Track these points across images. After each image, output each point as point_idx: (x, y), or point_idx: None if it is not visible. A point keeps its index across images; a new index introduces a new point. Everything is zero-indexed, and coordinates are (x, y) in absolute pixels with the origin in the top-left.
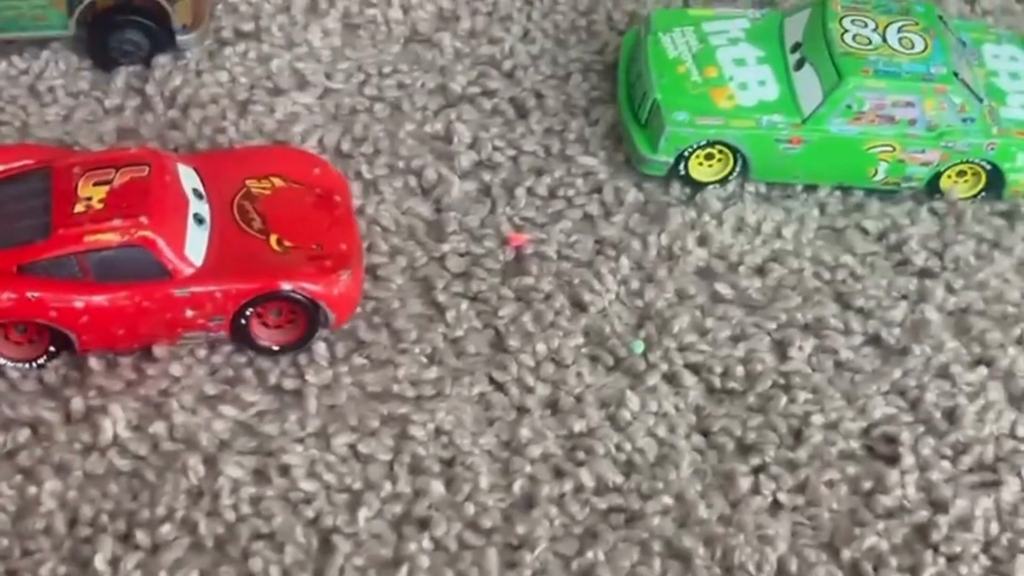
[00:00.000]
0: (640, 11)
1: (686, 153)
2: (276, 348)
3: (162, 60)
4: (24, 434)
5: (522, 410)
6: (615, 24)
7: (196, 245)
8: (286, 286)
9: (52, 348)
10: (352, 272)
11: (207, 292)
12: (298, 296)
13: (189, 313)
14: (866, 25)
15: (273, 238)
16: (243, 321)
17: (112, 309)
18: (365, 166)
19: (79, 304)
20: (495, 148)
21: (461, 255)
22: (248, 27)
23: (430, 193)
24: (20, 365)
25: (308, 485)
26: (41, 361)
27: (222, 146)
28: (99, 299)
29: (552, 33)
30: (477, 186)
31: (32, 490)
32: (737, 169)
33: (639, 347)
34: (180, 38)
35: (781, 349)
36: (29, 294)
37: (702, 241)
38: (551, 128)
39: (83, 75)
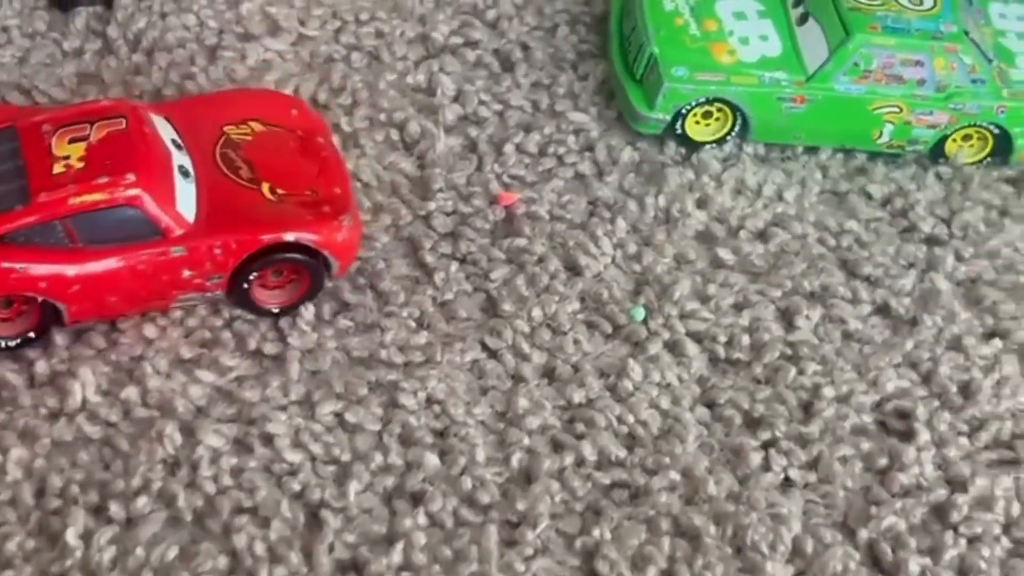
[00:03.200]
0: None
1: (684, 111)
2: (277, 310)
3: (124, 1)
4: None
5: (518, 379)
6: None
7: (186, 200)
8: (289, 236)
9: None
10: (352, 216)
11: (206, 249)
12: (302, 245)
13: (186, 273)
14: None
15: (265, 187)
16: (245, 285)
17: (105, 275)
18: (344, 118)
19: (70, 272)
20: (481, 102)
21: (448, 214)
22: None
23: (413, 148)
24: (9, 342)
25: (293, 456)
26: (31, 336)
27: (191, 93)
28: (91, 266)
29: None
30: (463, 141)
31: None
32: (736, 129)
33: (640, 314)
34: None
35: (787, 318)
36: (14, 266)
37: (701, 203)
38: (539, 82)
39: (40, 15)
